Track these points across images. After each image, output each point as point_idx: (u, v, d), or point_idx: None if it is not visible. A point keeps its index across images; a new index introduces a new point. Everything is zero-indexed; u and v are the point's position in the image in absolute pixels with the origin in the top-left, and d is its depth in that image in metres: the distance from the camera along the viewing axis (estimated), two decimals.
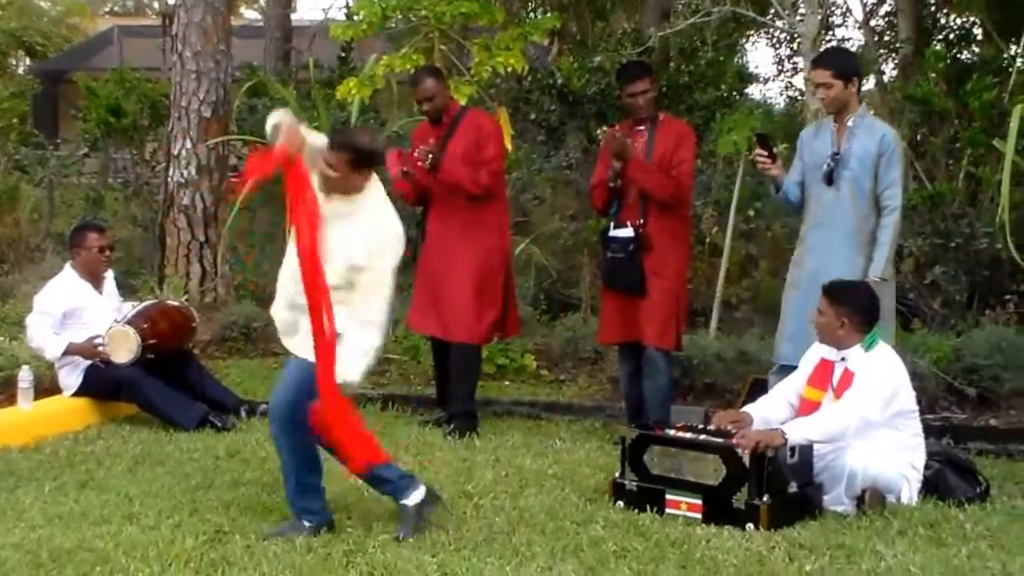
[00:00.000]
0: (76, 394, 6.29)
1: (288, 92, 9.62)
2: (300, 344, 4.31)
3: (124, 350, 6.13)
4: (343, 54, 14.75)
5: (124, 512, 4.47)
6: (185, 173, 9.33)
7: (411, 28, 8.83)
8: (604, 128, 5.99)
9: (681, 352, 6.30)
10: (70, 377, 6.30)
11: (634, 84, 5.86)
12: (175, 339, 6.46)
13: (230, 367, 7.90)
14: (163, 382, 6.18)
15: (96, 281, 6.48)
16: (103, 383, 6.22)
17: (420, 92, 6.15)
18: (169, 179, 9.58)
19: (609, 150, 5.78)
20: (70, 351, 6.24)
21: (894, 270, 5.65)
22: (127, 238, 10.91)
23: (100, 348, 6.19)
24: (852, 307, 4.84)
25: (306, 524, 4.33)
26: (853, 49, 12.99)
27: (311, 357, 4.18)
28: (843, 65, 5.46)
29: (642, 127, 5.86)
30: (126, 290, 7.95)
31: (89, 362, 6.25)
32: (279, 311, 4.44)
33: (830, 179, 5.40)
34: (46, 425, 5.95)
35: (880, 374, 4.75)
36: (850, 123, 5.40)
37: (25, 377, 6.10)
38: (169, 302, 6.91)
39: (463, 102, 7.42)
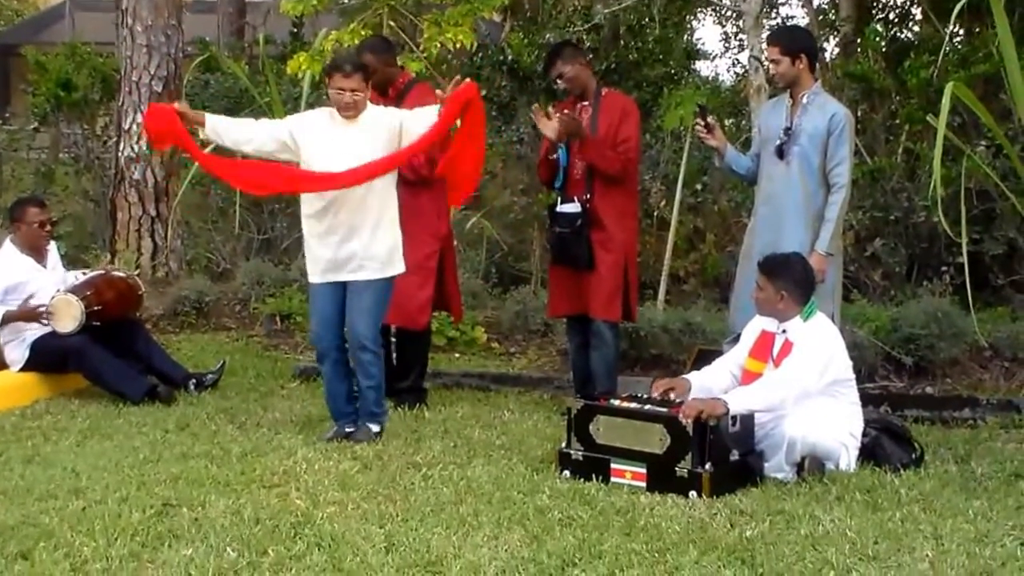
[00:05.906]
0: (23, 369, 6.24)
1: (239, 67, 9.56)
2: (370, 269, 5.25)
3: (68, 318, 6.08)
4: (295, 29, 14.67)
5: (70, 486, 4.43)
6: (136, 147, 9.26)
7: (364, 3, 8.79)
8: (536, 108, 5.93)
9: (631, 324, 6.37)
10: (16, 352, 6.25)
11: (553, 69, 5.91)
12: (121, 307, 6.43)
13: (182, 341, 7.89)
14: (111, 353, 6.15)
15: (39, 255, 6.42)
16: (50, 354, 6.17)
17: None
18: (120, 153, 9.51)
19: (560, 128, 5.76)
20: (8, 319, 6.17)
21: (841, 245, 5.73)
22: (78, 213, 10.81)
23: (41, 311, 6.10)
24: (788, 280, 4.91)
25: (375, 429, 5.31)
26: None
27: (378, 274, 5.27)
28: (791, 42, 5.52)
29: (587, 102, 5.87)
30: (78, 265, 7.90)
31: (35, 335, 6.20)
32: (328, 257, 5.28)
33: (781, 153, 5.47)
34: None
35: (815, 343, 4.82)
36: (804, 99, 5.46)
37: None
38: (115, 272, 6.87)
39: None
